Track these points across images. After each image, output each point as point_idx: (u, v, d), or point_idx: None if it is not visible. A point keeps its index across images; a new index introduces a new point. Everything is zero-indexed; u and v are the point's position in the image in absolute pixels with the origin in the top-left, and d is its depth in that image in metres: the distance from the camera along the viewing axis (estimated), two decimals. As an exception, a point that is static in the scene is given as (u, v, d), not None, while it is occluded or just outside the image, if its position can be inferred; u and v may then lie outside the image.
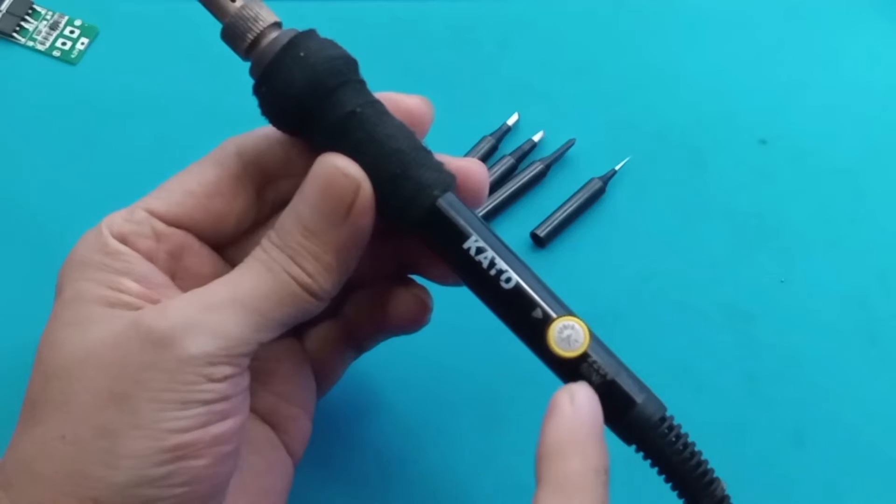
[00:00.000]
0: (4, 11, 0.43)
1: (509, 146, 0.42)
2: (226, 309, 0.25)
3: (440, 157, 0.27)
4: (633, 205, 0.41)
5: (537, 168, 0.41)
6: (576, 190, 0.41)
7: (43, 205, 0.39)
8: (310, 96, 0.26)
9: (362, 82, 0.27)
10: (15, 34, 0.43)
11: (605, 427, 0.25)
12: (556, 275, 0.39)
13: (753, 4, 0.47)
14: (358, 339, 0.32)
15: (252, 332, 0.25)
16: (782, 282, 0.40)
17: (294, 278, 0.26)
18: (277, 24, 0.27)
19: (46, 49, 0.43)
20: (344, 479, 0.35)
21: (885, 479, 0.36)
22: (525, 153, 0.42)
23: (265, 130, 0.29)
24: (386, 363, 0.37)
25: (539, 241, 0.40)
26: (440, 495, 0.35)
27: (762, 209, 0.42)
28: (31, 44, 0.43)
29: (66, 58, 0.43)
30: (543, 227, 0.40)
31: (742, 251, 0.41)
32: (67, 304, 0.26)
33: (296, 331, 0.31)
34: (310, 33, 0.27)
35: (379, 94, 0.28)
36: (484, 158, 0.41)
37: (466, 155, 0.41)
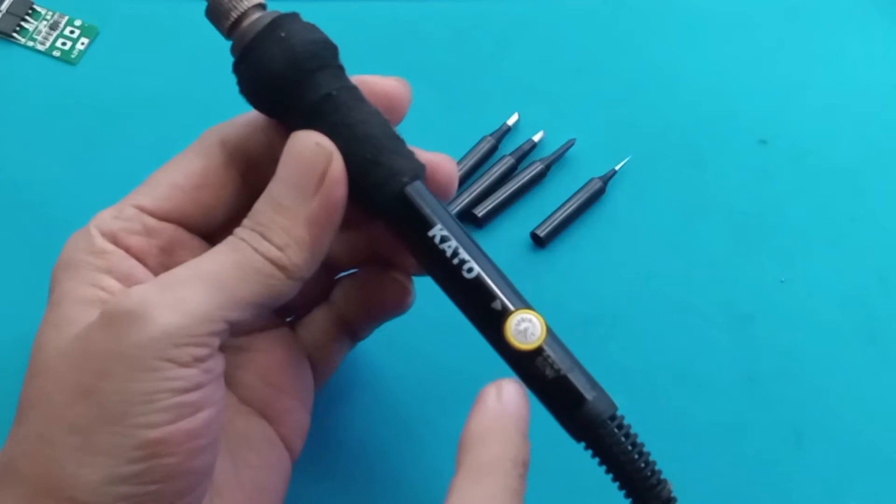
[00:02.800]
0: (4, 11, 0.43)
1: (509, 146, 0.42)
2: (186, 286, 0.24)
3: (411, 148, 0.28)
4: (633, 205, 0.41)
5: (537, 168, 0.41)
6: (576, 190, 0.41)
7: (43, 205, 0.39)
8: (287, 77, 0.26)
9: (341, 68, 0.27)
10: (15, 34, 0.43)
11: (529, 424, 0.26)
12: (556, 275, 0.40)
13: (753, 4, 0.47)
14: (350, 327, 0.32)
15: (216, 309, 0.24)
16: (782, 282, 0.40)
17: (261, 253, 0.25)
18: (261, 6, 0.27)
19: (46, 49, 0.43)
20: (343, 477, 0.35)
21: (885, 479, 0.36)
22: (525, 153, 0.42)
23: (246, 118, 0.29)
24: (386, 361, 0.37)
25: (539, 241, 0.40)
26: (441, 493, 0.35)
27: (762, 209, 0.42)
28: (31, 44, 0.43)
29: (66, 58, 0.43)
30: (543, 227, 0.40)
31: (742, 251, 0.41)
32: (53, 306, 0.26)
33: (290, 322, 0.31)
34: (292, 16, 0.27)
35: (356, 77, 0.28)
36: (484, 158, 0.41)
37: (466, 155, 0.41)
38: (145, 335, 0.23)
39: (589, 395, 0.26)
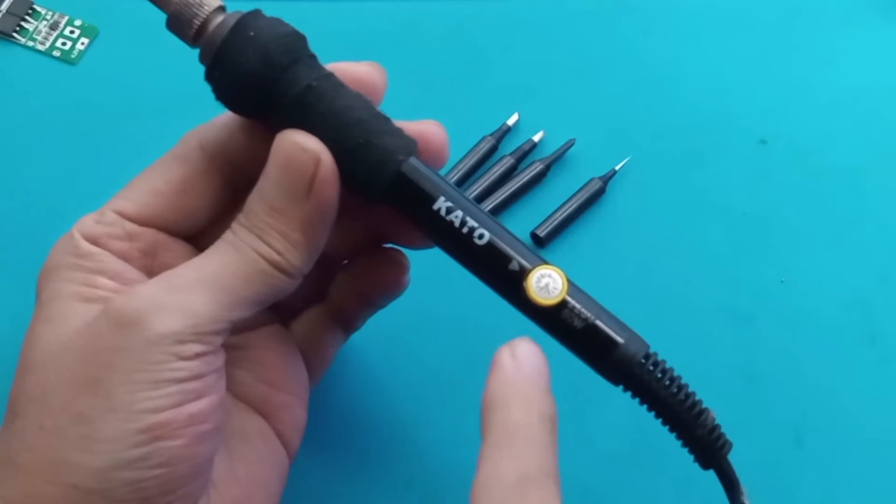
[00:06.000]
0: (4, 11, 0.43)
1: (509, 146, 0.42)
2: (193, 288, 0.25)
3: (398, 123, 0.28)
4: (633, 205, 0.41)
5: (537, 168, 0.41)
6: (576, 190, 0.41)
7: (43, 205, 0.39)
8: (264, 75, 0.26)
9: (313, 57, 0.27)
10: (15, 34, 0.43)
11: (549, 380, 0.25)
12: (556, 275, 0.40)
13: (753, 4, 0.47)
14: (345, 318, 0.33)
15: (221, 310, 0.25)
16: (782, 282, 0.40)
17: (262, 256, 0.26)
18: (222, 8, 0.27)
19: (46, 49, 0.43)
20: (341, 473, 0.35)
21: (885, 479, 0.36)
22: (525, 153, 0.42)
23: (225, 119, 0.28)
24: (382, 357, 0.37)
25: (539, 241, 0.40)
26: (439, 488, 0.35)
27: (762, 209, 0.42)
28: (31, 44, 0.43)
29: (66, 58, 0.43)
30: (543, 227, 0.40)
31: (742, 251, 0.41)
32: (45, 305, 0.26)
33: (283, 318, 0.31)
34: (256, 13, 0.27)
35: (329, 65, 0.28)
36: (484, 158, 0.41)
37: (466, 155, 0.41)
38: (153, 333, 0.24)
39: (620, 338, 0.26)
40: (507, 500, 0.23)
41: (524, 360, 0.25)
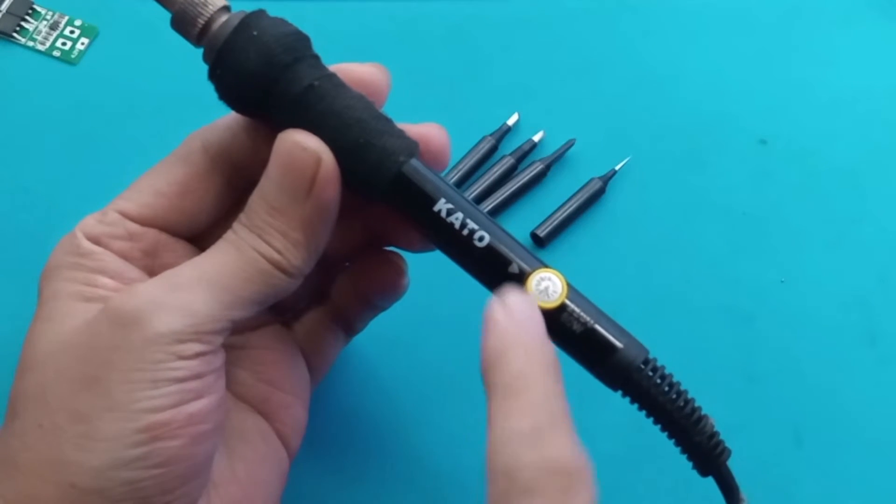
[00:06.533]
0: (4, 11, 0.43)
1: (509, 146, 0.42)
2: (193, 287, 0.25)
3: (400, 125, 0.28)
4: (633, 205, 0.41)
5: (537, 168, 0.41)
6: (576, 190, 0.41)
7: (43, 205, 0.39)
8: (265, 74, 0.26)
9: (316, 57, 0.27)
10: (15, 34, 0.43)
11: (544, 327, 0.25)
12: (556, 275, 0.40)
13: (753, 4, 0.47)
14: (346, 319, 0.33)
15: (221, 310, 0.25)
16: (782, 282, 0.40)
17: (262, 255, 0.26)
18: (226, 8, 0.27)
19: (46, 49, 0.43)
20: (341, 472, 0.35)
21: (885, 479, 0.36)
22: (525, 153, 0.42)
23: (227, 121, 0.29)
24: (383, 358, 0.37)
25: (539, 241, 0.40)
26: (439, 487, 0.35)
27: (762, 209, 0.42)
28: (31, 44, 0.43)
29: (66, 58, 0.43)
30: (543, 227, 0.40)
31: (742, 251, 0.41)
32: (45, 304, 0.26)
33: (284, 318, 0.32)
34: (260, 13, 0.27)
35: (333, 66, 0.28)
36: (484, 158, 0.41)
37: (466, 155, 0.41)
38: (153, 331, 0.24)
39: (619, 342, 0.26)
40: (526, 452, 0.23)
41: (516, 309, 0.25)
